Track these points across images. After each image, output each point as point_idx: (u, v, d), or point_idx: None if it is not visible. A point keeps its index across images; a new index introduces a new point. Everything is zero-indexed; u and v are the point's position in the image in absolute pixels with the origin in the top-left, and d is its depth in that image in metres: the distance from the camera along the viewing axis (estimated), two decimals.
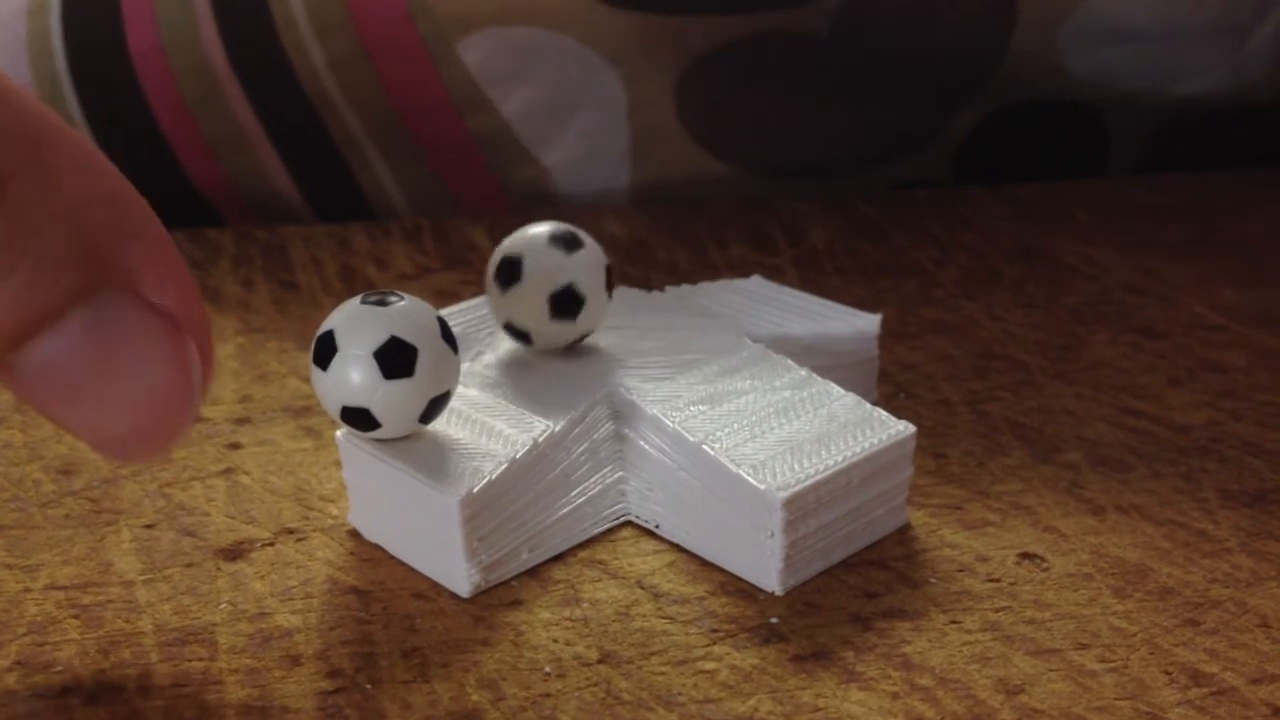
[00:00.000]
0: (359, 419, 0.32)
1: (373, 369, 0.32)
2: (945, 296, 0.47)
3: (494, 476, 0.32)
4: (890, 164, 0.59)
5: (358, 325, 0.32)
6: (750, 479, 0.32)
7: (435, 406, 0.33)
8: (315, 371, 0.32)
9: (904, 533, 0.34)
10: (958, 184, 0.60)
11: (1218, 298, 0.47)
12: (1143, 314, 0.46)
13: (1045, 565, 0.33)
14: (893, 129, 0.59)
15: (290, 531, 0.35)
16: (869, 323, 0.40)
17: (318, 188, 0.57)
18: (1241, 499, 0.35)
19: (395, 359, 0.32)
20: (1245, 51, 0.58)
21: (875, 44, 0.56)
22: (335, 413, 0.33)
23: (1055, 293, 0.48)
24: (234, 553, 0.34)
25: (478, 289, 0.44)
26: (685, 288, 0.41)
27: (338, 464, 0.37)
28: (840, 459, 0.32)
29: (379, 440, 0.33)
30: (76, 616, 0.31)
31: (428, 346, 0.32)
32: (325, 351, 0.32)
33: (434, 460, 0.32)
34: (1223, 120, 0.60)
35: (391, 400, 0.32)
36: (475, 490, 0.31)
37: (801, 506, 0.32)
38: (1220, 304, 0.46)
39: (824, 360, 0.38)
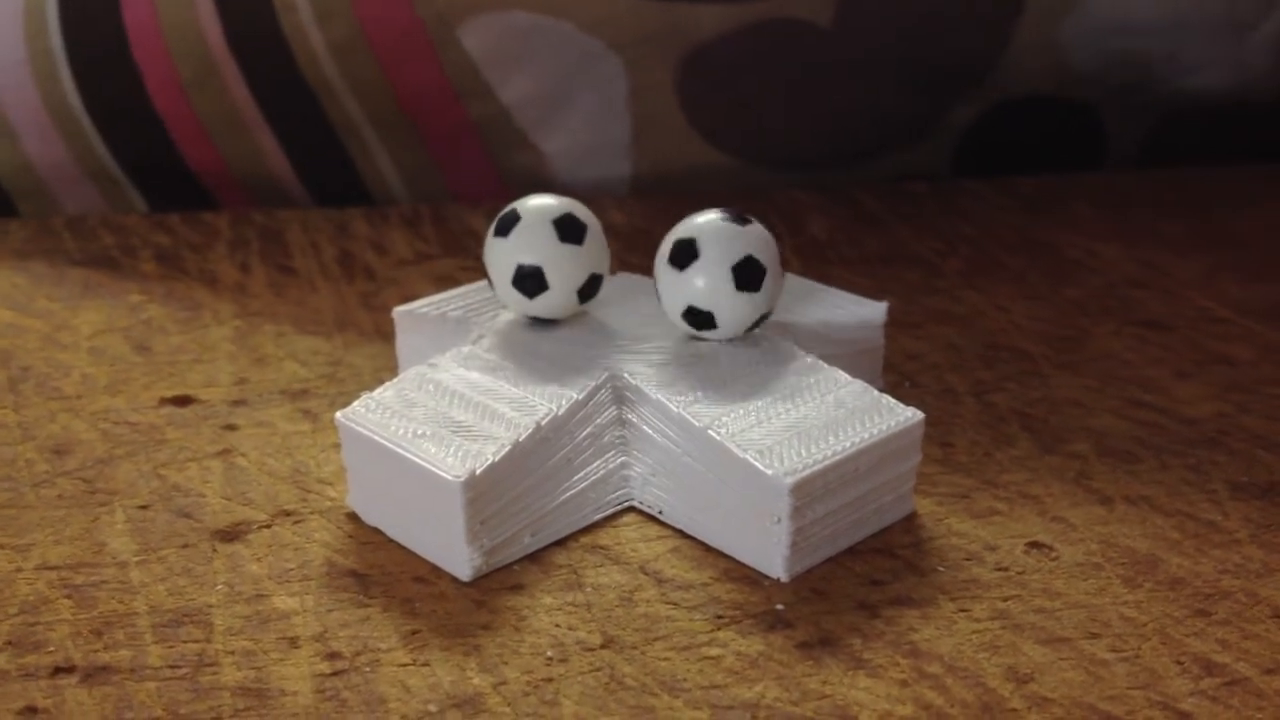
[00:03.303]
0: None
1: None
2: (948, 287, 0.47)
3: (496, 459, 0.31)
4: (890, 156, 0.59)
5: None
6: (757, 464, 0.31)
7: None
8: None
9: (911, 521, 0.34)
10: (957, 177, 0.59)
11: (1222, 292, 0.46)
12: (1147, 307, 0.45)
13: (1054, 554, 0.32)
14: (894, 120, 0.58)
15: (288, 514, 0.34)
16: (875, 311, 0.39)
17: (315, 172, 0.57)
18: (1251, 491, 0.35)
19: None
20: (1247, 48, 0.58)
21: (878, 33, 0.55)
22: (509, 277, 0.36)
23: (1058, 285, 0.47)
24: (230, 534, 0.33)
25: (477, 274, 0.44)
26: None
27: (336, 447, 0.37)
28: (848, 445, 0.32)
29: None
30: (69, 597, 0.31)
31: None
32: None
33: (436, 442, 0.32)
34: (1222, 117, 0.60)
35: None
36: (478, 472, 0.31)
37: (809, 492, 0.31)
38: (1225, 298, 0.46)
39: (829, 348, 0.37)
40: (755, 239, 0.36)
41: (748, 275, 0.35)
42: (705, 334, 0.36)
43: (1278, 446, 0.37)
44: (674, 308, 0.36)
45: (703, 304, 0.35)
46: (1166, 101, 0.59)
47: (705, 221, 0.36)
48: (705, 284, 0.35)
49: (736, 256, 0.35)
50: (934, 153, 0.59)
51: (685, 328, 0.36)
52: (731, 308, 0.35)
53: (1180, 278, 0.48)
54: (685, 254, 0.35)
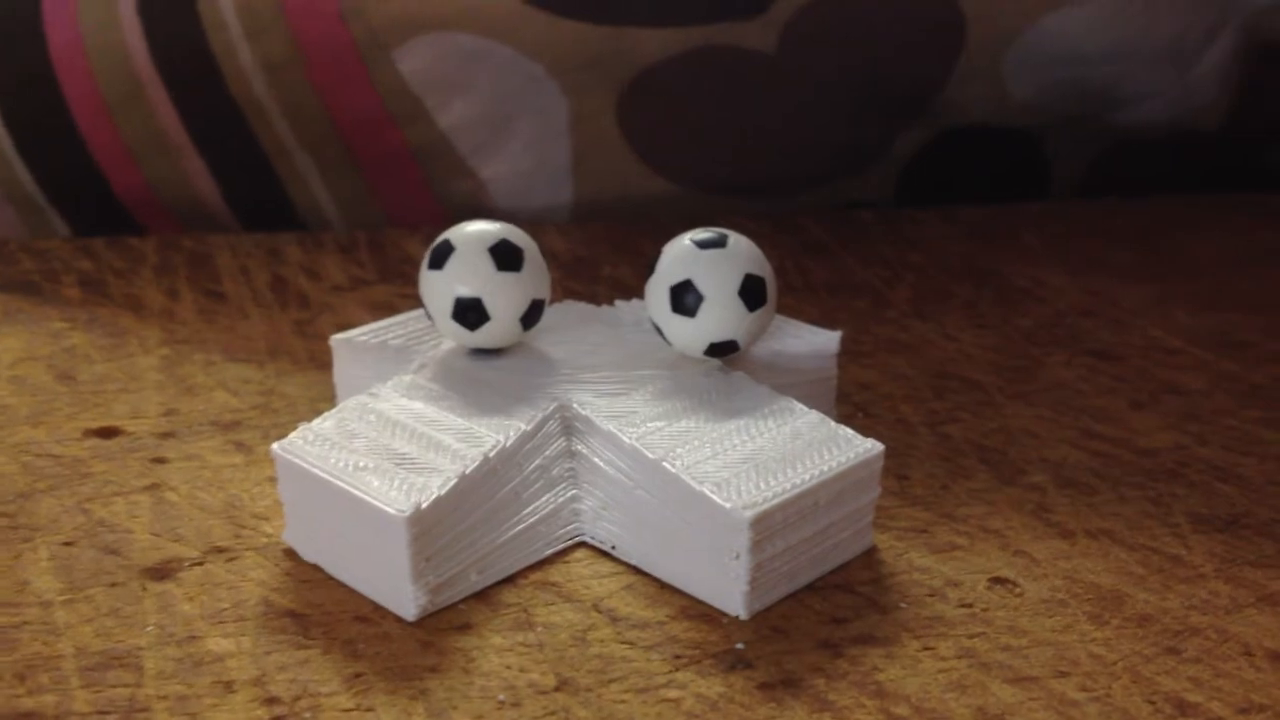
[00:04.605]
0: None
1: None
2: (897, 316, 0.46)
3: (443, 493, 0.30)
4: (834, 183, 0.58)
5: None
6: (715, 497, 0.30)
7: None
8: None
9: (870, 556, 0.33)
10: (900, 206, 0.59)
11: (1172, 321, 0.46)
12: (1096, 336, 0.45)
13: (1018, 590, 0.32)
14: (837, 148, 0.58)
15: (221, 550, 0.33)
16: (828, 340, 0.38)
17: (244, 196, 0.55)
18: (1214, 524, 0.34)
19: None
20: (1190, 79, 0.58)
21: (821, 60, 0.55)
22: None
23: (1007, 314, 0.47)
24: (160, 572, 0.32)
25: (415, 302, 0.42)
26: (636, 302, 0.40)
27: (270, 480, 0.35)
28: (807, 477, 0.31)
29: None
30: None
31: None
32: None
33: (378, 475, 0.31)
34: (1166, 147, 0.60)
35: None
36: (423, 507, 0.30)
37: (768, 526, 0.30)
38: (1175, 327, 0.46)
39: (782, 378, 0.37)
40: (744, 255, 0.35)
41: (754, 293, 0.35)
42: (726, 357, 0.36)
43: (1237, 478, 0.37)
44: (693, 348, 0.35)
45: (722, 336, 0.35)
46: (1110, 131, 0.59)
47: (691, 255, 0.35)
48: (720, 318, 0.35)
49: (738, 280, 0.34)
50: (877, 181, 0.59)
51: (705, 359, 0.36)
52: (749, 330, 0.35)
53: (1129, 307, 0.47)
54: (688, 297, 0.34)
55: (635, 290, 0.46)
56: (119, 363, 0.42)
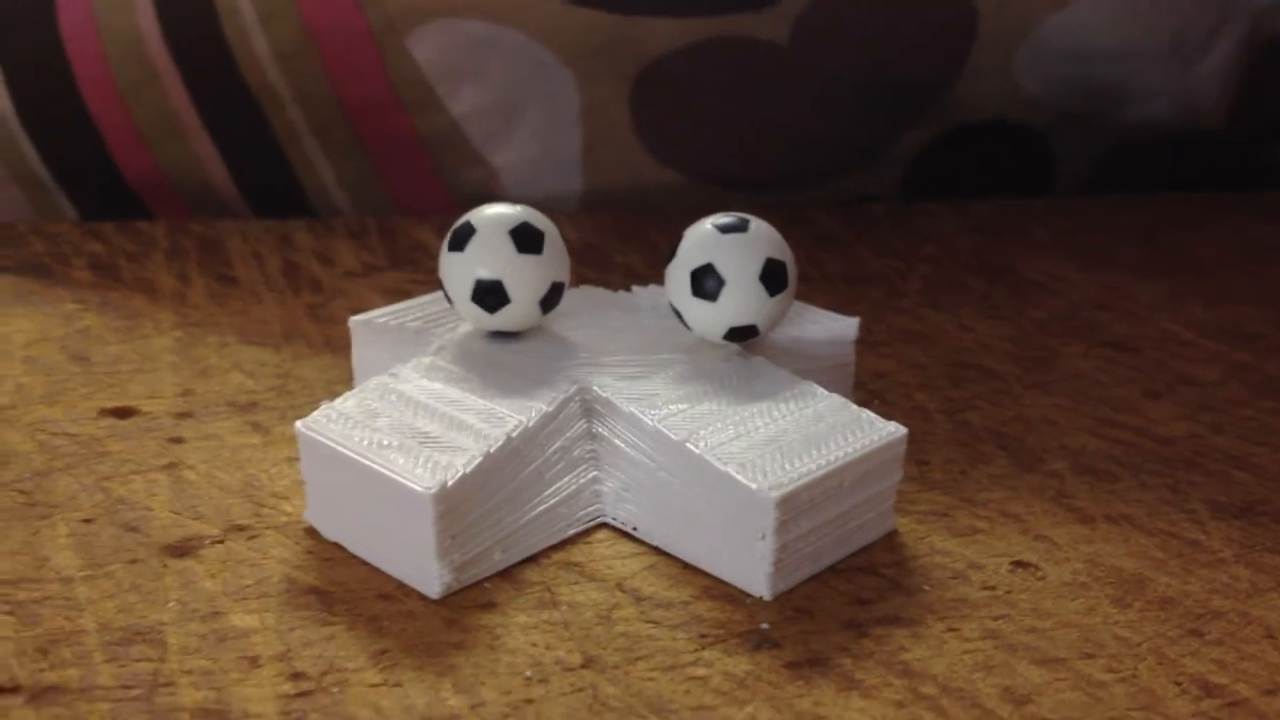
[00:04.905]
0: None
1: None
2: (911, 306, 0.46)
3: (468, 471, 0.30)
4: (842, 178, 0.58)
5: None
6: (740, 478, 0.30)
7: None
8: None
9: (892, 539, 0.33)
10: (908, 200, 0.59)
11: (1186, 314, 0.46)
12: (1111, 328, 0.45)
13: (1040, 574, 0.32)
14: (847, 142, 0.58)
15: (241, 528, 0.32)
16: (847, 326, 0.38)
17: (255, 182, 0.55)
18: (1231, 510, 0.34)
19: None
20: (1193, 78, 0.58)
21: (834, 53, 0.55)
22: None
23: (1022, 306, 0.47)
24: (181, 549, 0.32)
25: (428, 287, 0.42)
26: (652, 288, 0.40)
27: (289, 460, 0.35)
28: (832, 459, 0.31)
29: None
30: (11, 613, 0.29)
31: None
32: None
33: (403, 453, 0.30)
34: (1169, 145, 0.60)
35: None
36: (449, 484, 0.29)
37: (794, 507, 0.30)
38: (1188, 320, 0.46)
39: (801, 364, 0.36)
40: (765, 239, 0.35)
41: (775, 278, 0.35)
42: (746, 342, 0.36)
43: (1252, 466, 0.37)
44: (713, 332, 0.35)
45: (742, 321, 0.35)
46: (1115, 129, 0.59)
47: (712, 239, 0.35)
48: (741, 302, 0.34)
49: (759, 265, 0.34)
50: (884, 175, 0.59)
51: (724, 343, 0.36)
52: (769, 315, 0.35)
53: (1143, 301, 0.47)
54: (709, 281, 0.34)
55: (648, 279, 0.46)
56: (133, 344, 0.42)
